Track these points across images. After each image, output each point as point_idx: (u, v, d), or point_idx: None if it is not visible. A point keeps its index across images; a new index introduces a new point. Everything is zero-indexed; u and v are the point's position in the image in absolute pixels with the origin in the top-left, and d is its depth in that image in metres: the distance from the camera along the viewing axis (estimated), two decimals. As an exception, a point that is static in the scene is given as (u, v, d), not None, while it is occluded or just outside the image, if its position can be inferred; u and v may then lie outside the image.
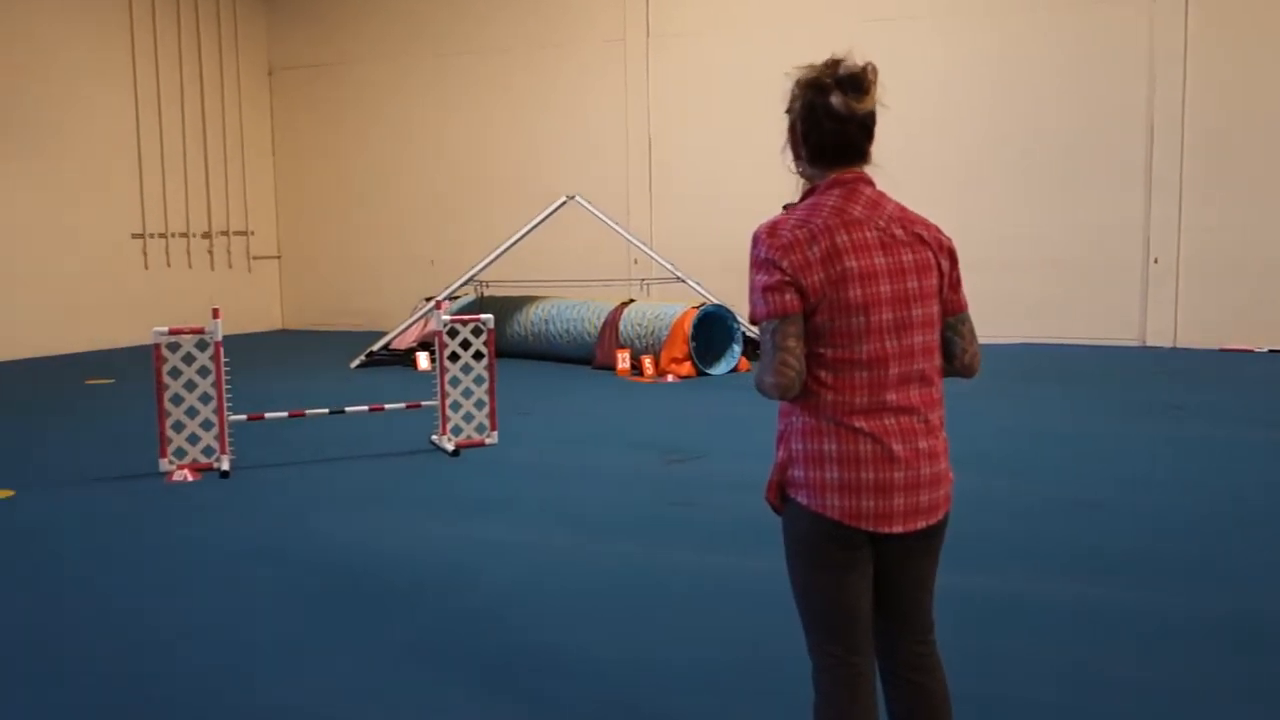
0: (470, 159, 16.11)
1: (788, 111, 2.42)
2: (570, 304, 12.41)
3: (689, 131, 14.77)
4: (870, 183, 2.42)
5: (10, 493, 6.60)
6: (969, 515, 5.51)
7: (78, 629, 4.37)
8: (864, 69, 2.34)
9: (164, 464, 6.97)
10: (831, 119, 2.35)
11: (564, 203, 12.58)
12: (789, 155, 2.48)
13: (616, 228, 12.83)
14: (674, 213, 14.88)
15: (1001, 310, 13.02)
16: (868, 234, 2.35)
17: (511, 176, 15.68)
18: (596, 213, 12.63)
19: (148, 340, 7.35)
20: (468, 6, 15.97)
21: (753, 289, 2.36)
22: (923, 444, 2.38)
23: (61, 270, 14.13)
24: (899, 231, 2.39)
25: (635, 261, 14.42)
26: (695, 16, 14.69)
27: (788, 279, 2.31)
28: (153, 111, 15.42)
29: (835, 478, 2.34)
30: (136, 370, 11.40)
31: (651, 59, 14.97)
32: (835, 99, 2.33)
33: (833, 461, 2.34)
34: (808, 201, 2.41)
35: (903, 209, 2.45)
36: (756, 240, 2.37)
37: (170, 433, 6.98)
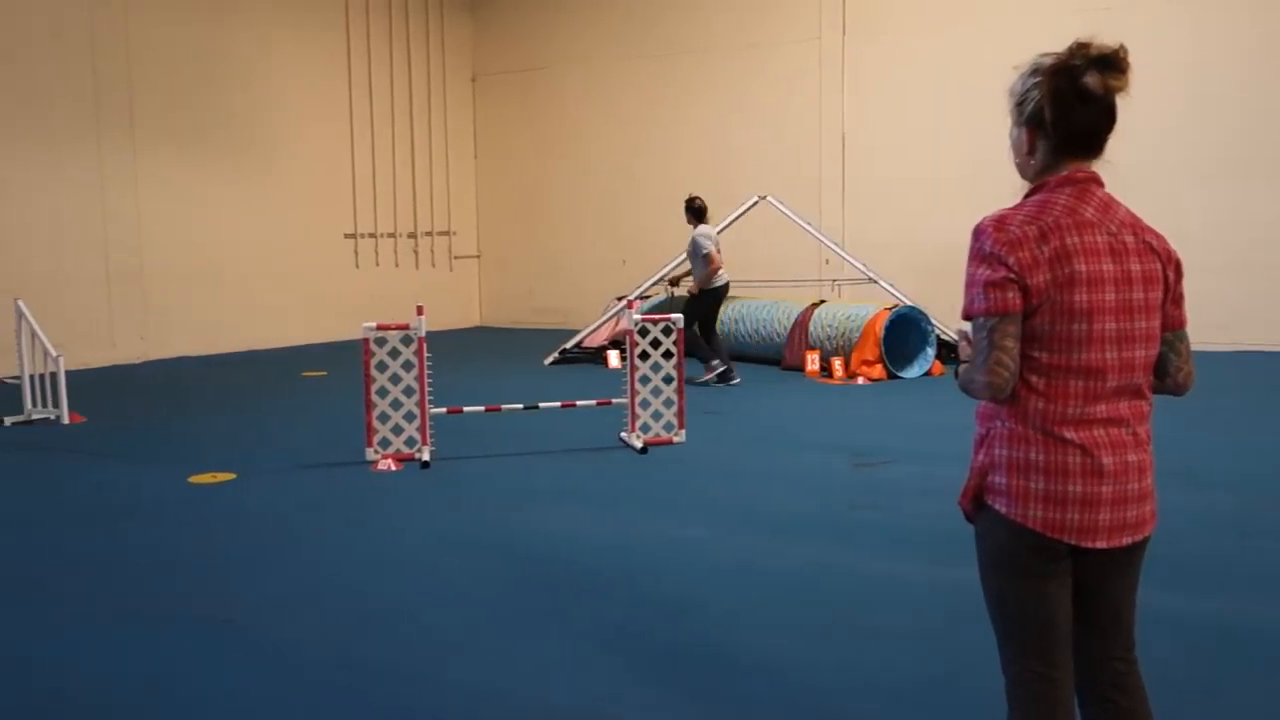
0: (663, 159, 16.29)
1: (1019, 105, 2.31)
2: (760, 304, 12.37)
3: (883, 131, 14.50)
4: (1101, 183, 2.32)
5: (233, 475, 7.10)
6: (1191, 534, 5.22)
7: (300, 601, 4.65)
8: (1117, 49, 2.24)
9: (370, 453, 7.34)
10: (1085, 101, 2.24)
11: (755, 202, 12.56)
12: (1017, 152, 2.37)
13: (808, 228, 12.72)
14: (867, 213, 14.63)
15: (1253, 314, 12.15)
16: (1098, 238, 2.25)
17: (704, 176, 15.74)
18: (788, 212, 12.55)
19: (357, 335, 7.77)
20: (662, 10, 16.15)
21: (972, 283, 2.27)
22: (1132, 457, 2.27)
23: (281, 269, 15.09)
24: (1129, 239, 2.28)
25: (827, 262, 14.25)
26: (893, 14, 14.39)
27: (1012, 276, 2.21)
28: (365, 118, 16.28)
29: (1040, 488, 2.25)
30: (346, 363, 12.05)
31: (847, 58, 14.76)
32: (1091, 79, 2.22)
33: (1038, 471, 2.25)
34: (1035, 199, 2.31)
35: (1134, 216, 2.34)
36: (981, 233, 2.27)
37: (376, 424, 7.34)
